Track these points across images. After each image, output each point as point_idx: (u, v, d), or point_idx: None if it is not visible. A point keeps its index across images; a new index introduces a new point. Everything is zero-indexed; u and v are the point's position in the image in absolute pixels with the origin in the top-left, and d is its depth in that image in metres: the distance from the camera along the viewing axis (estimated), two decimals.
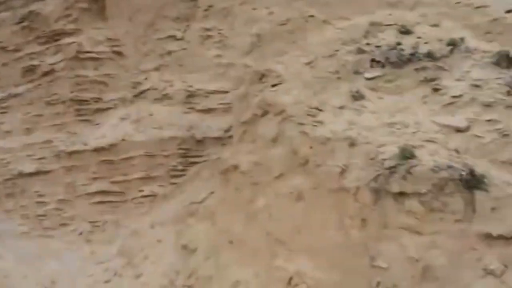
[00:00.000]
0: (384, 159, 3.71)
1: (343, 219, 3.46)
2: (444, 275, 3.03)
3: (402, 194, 3.39)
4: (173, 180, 4.85)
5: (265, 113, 4.78)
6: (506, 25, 5.47)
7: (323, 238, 3.45)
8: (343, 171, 3.70)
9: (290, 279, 3.37)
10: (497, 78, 4.32)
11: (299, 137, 4.14)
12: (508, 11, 5.57)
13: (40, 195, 5.06)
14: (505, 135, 3.73)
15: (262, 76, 5.73)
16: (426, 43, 5.17)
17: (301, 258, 3.42)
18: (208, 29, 7.02)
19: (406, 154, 3.54)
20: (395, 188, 3.40)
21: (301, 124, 4.27)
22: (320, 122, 4.25)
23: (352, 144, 3.95)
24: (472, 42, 5.11)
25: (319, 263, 3.35)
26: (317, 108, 4.51)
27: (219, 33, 6.99)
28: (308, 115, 4.40)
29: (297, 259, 3.43)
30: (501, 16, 5.57)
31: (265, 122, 4.62)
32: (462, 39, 5.01)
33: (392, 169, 3.56)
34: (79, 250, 4.51)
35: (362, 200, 3.47)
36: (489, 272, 2.98)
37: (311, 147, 3.99)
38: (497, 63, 4.54)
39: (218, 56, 6.58)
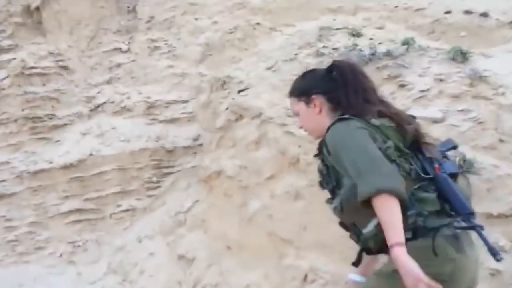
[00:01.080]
0: None
1: None
2: None
3: None
4: (150, 193, 4.65)
5: (240, 118, 4.74)
6: (447, 24, 5.81)
7: (330, 233, 3.45)
8: None
9: (305, 276, 3.34)
10: (457, 72, 4.57)
11: (285, 138, 4.13)
12: (447, 12, 5.93)
13: (8, 220, 4.64)
14: (480, 123, 3.95)
15: (223, 83, 5.68)
16: (380, 43, 5.37)
17: (312, 255, 3.40)
18: (153, 40, 6.89)
19: None
20: None
21: (284, 124, 4.27)
22: None
23: None
24: (422, 41, 5.38)
25: (331, 257, 3.35)
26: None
27: (165, 44, 6.87)
28: (288, 116, 4.41)
29: (307, 256, 3.41)
30: (441, 17, 5.91)
31: (242, 126, 4.58)
32: (413, 39, 5.25)
33: None
34: (64, 273, 4.19)
35: None
36: (499, 249, 3.12)
37: (299, 146, 4.00)
38: (453, 59, 4.81)
39: (170, 66, 6.45)
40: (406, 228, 1.84)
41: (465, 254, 1.90)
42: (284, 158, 4.01)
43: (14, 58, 6.11)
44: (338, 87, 2.10)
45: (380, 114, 2.03)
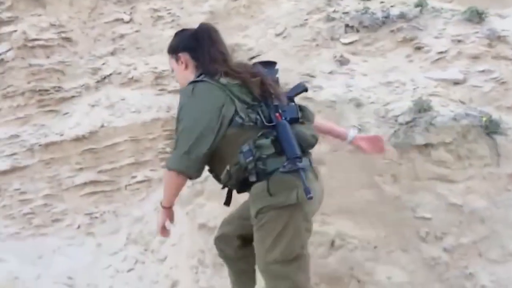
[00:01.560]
0: (397, 116, 3.72)
1: (372, 177, 3.43)
2: (489, 216, 3.10)
3: (427, 145, 3.41)
4: (164, 163, 4.56)
5: None
6: None
7: (356, 198, 3.39)
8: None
9: (332, 242, 3.29)
10: (475, 33, 4.47)
11: (303, 103, 4.02)
12: None
13: (22, 193, 4.56)
14: (503, 83, 3.88)
15: (232, 51, 5.54)
16: (392, 6, 5.24)
17: (338, 220, 3.34)
18: (156, 10, 6.72)
19: (425, 107, 3.57)
20: (420, 140, 3.41)
21: None
22: (319, 87, 4.18)
23: (359, 105, 3.93)
24: (434, 2, 5.25)
25: (359, 222, 3.30)
26: (309, 75, 4.43)
27: (169, 13, 6.71)
28: (304, 82, 4.31)
29: (334, 222, 3.35)
30: None
31: None
32: (425, 1, 5.13)
33: (410, 123, 3.57)
34: (83, 244, 4.13)
35: (388, 156, 3.45)
36: None
37: (319, 111, 3.90)
38: (469, 19, 4.70)
39: None
40: (249, 173, 2.23)
41: (308, 180, 2.23)
42: None
43: (15, 31, 5.94)
44: (199, 47, 2.39)
45: (226, 74, 2.32)
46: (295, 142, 2.23)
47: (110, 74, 5.58)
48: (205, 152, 2.23)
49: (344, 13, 5.37)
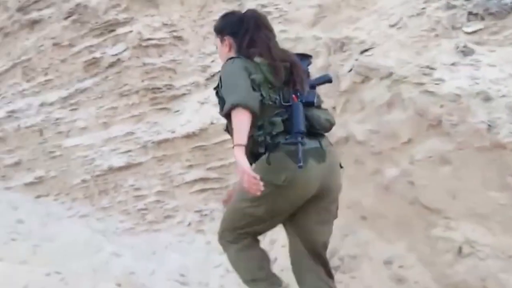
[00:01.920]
0: None
1: (504, 178, 3.07)
2: None
3: None
4: None
5: (366, 79, 4.38)
6: None
7: (485, 201, 3.06)
8: (490, 128, 3.31)
9: (460, 248, 3.00)
10: None
11: (423, 97, 3.74)
12: None
13: (137, 189, 4.71)
14: None
15: (342, 45, 5.33)
16: None
17: (465, 225, 3.04)
18: (264, 6, 6.64)
19: None
20: None
21: (420, 83, 3.87)
22: (441, 80, 3.85)
23: (487, 98, 3.56)
24: None
25: (491, 228, 2.97)
26: (428, 67, 4.11)
27: (276, 9, 6.60)
28: (424, 74, 4.01)
29: (460, 227, 3.05)
30: None
31: (371, 88, 4.23)
32: None
33: None
34: (194, 242, 4.16)
35: None
36: None
37: (441, 106, 3.60)
38: None
39: (283, 31, 6.19)
40: (259, 145, 2.45)
41: (305, 165, 2.36)
42: (423, 120, 3.63)
43: (131, 31, 6.16)
44: (242, 33, 2.63)
45: (261, 55, 2.55)
46: (302, 120, 2.42)
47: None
48: (254, 91, 2.44)
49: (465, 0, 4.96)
